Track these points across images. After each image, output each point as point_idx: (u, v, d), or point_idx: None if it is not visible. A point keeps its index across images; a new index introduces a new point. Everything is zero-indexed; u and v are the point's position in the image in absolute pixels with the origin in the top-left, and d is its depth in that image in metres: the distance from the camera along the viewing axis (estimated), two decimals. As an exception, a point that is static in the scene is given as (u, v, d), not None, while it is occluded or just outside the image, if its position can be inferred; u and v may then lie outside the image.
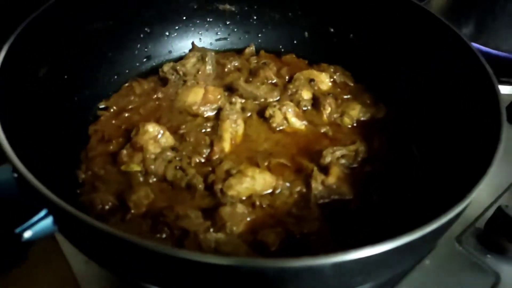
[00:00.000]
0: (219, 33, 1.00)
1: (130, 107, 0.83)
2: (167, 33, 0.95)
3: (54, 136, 0.71)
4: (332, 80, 0.91)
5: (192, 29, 0.98)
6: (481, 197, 0.82)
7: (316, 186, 0.67)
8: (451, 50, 0.74)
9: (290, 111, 0.80)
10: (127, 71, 0.90)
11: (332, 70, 0.93)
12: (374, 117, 0.83)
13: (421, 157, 0.74)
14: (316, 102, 0.84)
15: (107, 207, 0.64)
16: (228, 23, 1.00)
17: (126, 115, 0.81)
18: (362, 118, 0.82)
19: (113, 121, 0.79)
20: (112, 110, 0.82)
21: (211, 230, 0.61)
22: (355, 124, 0.82)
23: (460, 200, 0.46)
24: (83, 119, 0.79)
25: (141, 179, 0.68)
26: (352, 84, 0.91)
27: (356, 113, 0.82)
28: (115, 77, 0.88)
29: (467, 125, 0.68)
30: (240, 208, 0.63)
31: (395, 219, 0.66)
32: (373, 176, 0.71)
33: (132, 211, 0.64)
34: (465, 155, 0.65)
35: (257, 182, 0.66)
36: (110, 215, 0.64)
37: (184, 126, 0.77)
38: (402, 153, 0.75)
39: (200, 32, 0.99)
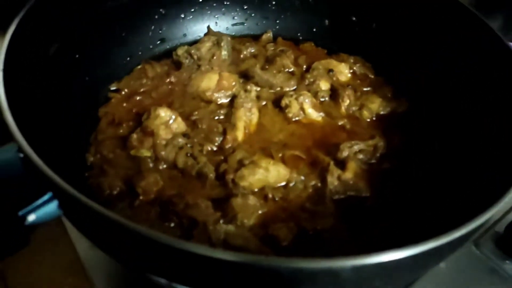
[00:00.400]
0: (236, 17, 0.97)
1: (142, 90, 0.80)
2: (182, 16, 0.92)
3: (63, 116, 0.69)
4: (351, 71, 0.87)
5: (209, 12, 0.95)
6: (502, 199, 0.79)
7: (332, 181, 0.64)
8: (482, 44, 0.70)
9: (307, 101, 0.77)
10: (140, 53, 0.88)
11: (352, 60, 0.89)
12: (394, 111, 0.79)
13: (443, 156, 0.70)
14: (334, 94, 0.81)
15: (115, 192, 0.63)
16: (245, 7, 0.96)
17: (138, 98, 0.78)
18: (382, 112, 0.79)
19: (124, 104, 0.77)
20: (123, 92, 0.79)
21: (221, 221, 0.59)
22: (374, 118, 0.78)
23: (492, 204, 0.43)
24: (94, 101, 0.77)
25: (150, 165, 0.66)
26: (372, 76, 0.87)
27: (376, 106, 0.79)
28: (128, 58, 0.85)
29: (495, 124, 0.64)
30: (252, 200, 0.61)
31: (413, 219, 0.63)
32: (391, 173, 0.68)
33: (141, 197, 0.62)
34: (492, 156, 0.61)
35: (271, 173, 0.64)
36: (118, 200, 0.62)
37: (196, 112, 0.75)
38: (423, 151, 0.72)
39: (216, 16, 0.96)
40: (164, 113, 0.69)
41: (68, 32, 0.72)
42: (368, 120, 0.78)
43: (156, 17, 0.89)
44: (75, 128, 0.71)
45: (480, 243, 0.74)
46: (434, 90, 0.79)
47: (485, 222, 0.43)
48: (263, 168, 0.64)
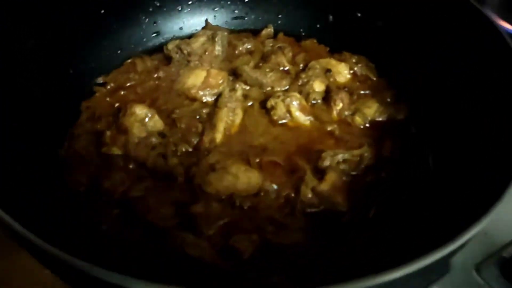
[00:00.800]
0: (236, 11, 0.93)
1: (128, 84, 0.78)
2: (179, 8, 0.89)
3: (43, 109, 0.68)
4: (352, 71, 0.81)
5: (207, 5, 0.91)
6: (513, 221, 0.71)
7: (306, 192, 0.59)
8: (495, 50, 0.62)
9: (294, 103, 0.72)
10: (132, 46, 0.85)
11: (354, 60, 0.83)
12: (392, 118, 0.72)
13: (436, 172, 0.63)
14: (328, 96, 0.75)
15: (79, 190, 0.61)
16: (246, 0, 0.92)
17: (122, 93, 0.76)
18: (378, 119, 0.72)
19: (108, 99, 0.76)
20: (109, 86, 0.78)
21: (181, 228, 0.56)
22: (367, 125, 0.72)
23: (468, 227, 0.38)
24: (78, 94, 0.76)
25: (121, 164, 0.64)
26: (374, 78, 0.80)
27: (371, 112, 0.72)
28: (119, 51, 0.84)
29: (501, 141, 0.57)
30: (216, 207, 0.57)
31: (392, 237, 0.57)
32: (375, 187, 0.62)
33: (104, 197, 0.59)
34: (490, 175, 0.54)
35: (240, 181, 0.60)
36: (83, 198, 0.60)
37: (178, 111, 0.72)
38: (415, 164, 0.65)
39: (215, 9, 0.92)
40: (140, 110, 0.67)
41: (54, 22, 0.71)
42: (361, 126, 0.71)
43: (151, 9, 0.87)
44: (56, 121, 0.70)
45: (483, 268, 0.67)
46: (438, 94, 0.71)
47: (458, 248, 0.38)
48: (232, 175, 0.60)
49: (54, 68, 0.72)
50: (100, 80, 0.79)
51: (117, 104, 0.74)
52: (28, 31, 0.67)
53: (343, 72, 0.80)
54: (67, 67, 0.75)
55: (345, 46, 0.86)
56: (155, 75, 0.80)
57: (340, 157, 0.64)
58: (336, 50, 0.86)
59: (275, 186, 0.61)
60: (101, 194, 0.60)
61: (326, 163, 0.63)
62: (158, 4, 0.87)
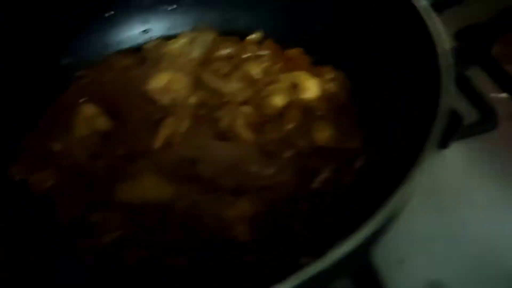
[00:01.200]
0: (228, 13, 0.90)
1: (101, 81, 0.81)
2: (169, 8, 0.90)
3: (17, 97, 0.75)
4: (323, 89, 0.74)
5: (199, 5, 0.90)
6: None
7: (209, 216, 0.57)
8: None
9: (241, 118, 0.68)
10: (119, 42, 0.88)
11: (332, 76, 0.76)
12: (342, 146, 0.65)
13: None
14: (283, 113, 0.70)
15: (14, 180, 0.65)
16: (239, 3, 0.89)
17: (91, 89, 0.80)
18: (327, 145, 0.66)
19: (79, 93, 0.79)
20: (83, 81, 0.81)
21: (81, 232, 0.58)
22: (311, 150, 0.65)
23: None
24: (56, 85, 0.81)
25: (56, 160, 0.67)
26: (344, 100, 0.73)
27: (321, 136, 0.66)
28: (106, 47, 0.87)
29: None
30: (116, 218, 0.57)
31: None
32: (290, 219, 0.57)
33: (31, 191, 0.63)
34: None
35: (150, 193, 0.59)
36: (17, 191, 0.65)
37: (131, 112, 0.73)
38: (341, 205, 0.58)
39: (206, 10, 0.90)
40: (87, 109, 0.70)
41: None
42: (305, 151, 0.65)
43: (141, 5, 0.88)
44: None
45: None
46: (406, 133, 0.62)
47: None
48: (143, 187, 0.60)
49: (37, 54, 0.78)
50: (80, 74, 0.83)
51: (82, 100, 0.78)
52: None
53: (311, 89, 0.74)
54: (54, 61, 0.80)
55: (330, 59, 0.79)
56: (128, 74, 0.81)
57: (261, 182, 0.59)
58: (321, 62, 0.80)
59: (184, 204, 0.59)
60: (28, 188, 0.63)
61: (246, 187, 0.59)
62: (148, 2, 0.88)
